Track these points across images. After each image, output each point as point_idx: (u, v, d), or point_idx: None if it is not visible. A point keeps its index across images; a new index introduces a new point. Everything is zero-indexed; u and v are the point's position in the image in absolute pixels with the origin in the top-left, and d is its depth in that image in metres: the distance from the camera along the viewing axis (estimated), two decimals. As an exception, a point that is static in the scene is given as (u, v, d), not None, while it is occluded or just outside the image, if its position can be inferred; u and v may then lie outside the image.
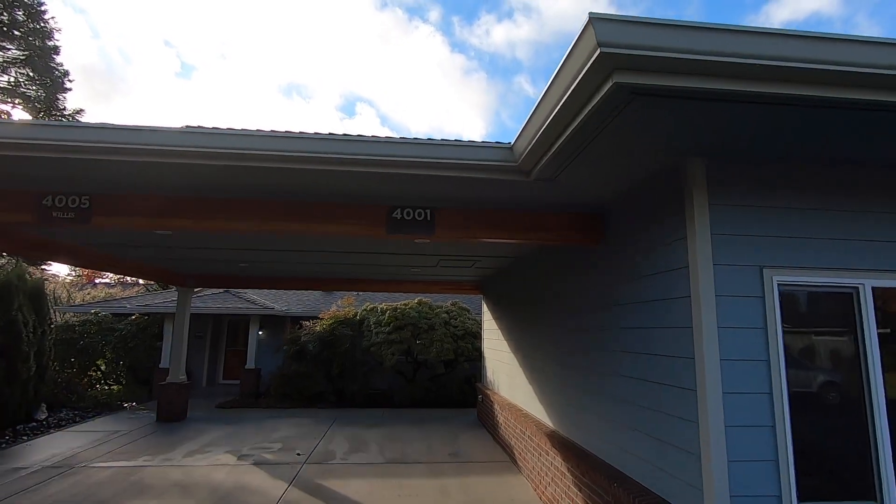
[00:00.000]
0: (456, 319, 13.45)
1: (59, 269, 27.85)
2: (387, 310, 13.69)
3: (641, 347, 3.72)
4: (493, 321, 9.93)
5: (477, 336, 13.15)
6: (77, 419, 9.99)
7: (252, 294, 16.30)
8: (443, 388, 12.74)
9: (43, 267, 20.57)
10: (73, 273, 30.02)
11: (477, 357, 13.01)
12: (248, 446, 8.10)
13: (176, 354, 10.27)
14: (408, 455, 7.71)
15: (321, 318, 13.62)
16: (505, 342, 8.68)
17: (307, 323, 13.78)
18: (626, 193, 4.06)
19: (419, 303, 14.10)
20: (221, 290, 16.09)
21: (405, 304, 13.77)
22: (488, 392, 9.60)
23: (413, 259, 7.73)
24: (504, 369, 8.76)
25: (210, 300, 14.98)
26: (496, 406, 8.71)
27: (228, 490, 5.96)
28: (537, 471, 5.99)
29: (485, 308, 11.11)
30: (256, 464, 7.10)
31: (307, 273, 9.76)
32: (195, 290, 17.28)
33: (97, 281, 29.34)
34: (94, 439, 8.36)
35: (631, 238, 4.01)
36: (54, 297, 16.80)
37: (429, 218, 4.38)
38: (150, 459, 7.22)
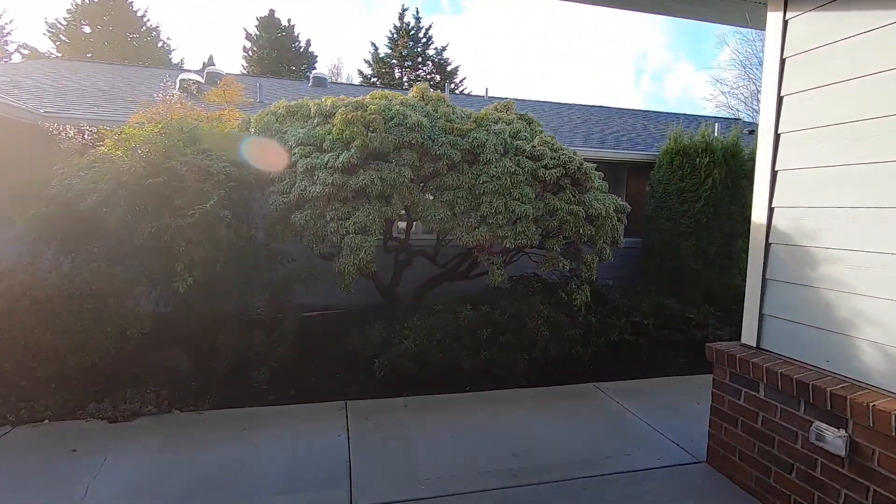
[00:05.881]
0: (528, 142, 4.89)
1: None
2: (336, 107, 4.80)
3: None
4: None
5: (593, 184, 4.75)
6: None
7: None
8: (500, 325, 4.50)
9: None
10: None
11: (592, 236, 4.74)
12: None
13: None
14: None
15: (124, 131, 4.50)
16: None
17: (87, 128, 4.64)
18: None
19: (422, 95, 5.29)
20: None
21: (383, 95, 4.93)
22: None
23: None
24: None
25: None
26: None
27: None
28: None
29: (801, 38, 2.59)
30: None
31: None
32: None
33: None
34: None
35: None
36: None
37: None
38: None
